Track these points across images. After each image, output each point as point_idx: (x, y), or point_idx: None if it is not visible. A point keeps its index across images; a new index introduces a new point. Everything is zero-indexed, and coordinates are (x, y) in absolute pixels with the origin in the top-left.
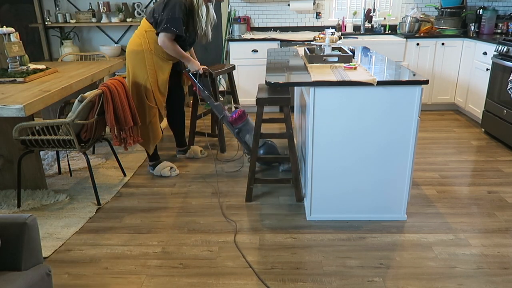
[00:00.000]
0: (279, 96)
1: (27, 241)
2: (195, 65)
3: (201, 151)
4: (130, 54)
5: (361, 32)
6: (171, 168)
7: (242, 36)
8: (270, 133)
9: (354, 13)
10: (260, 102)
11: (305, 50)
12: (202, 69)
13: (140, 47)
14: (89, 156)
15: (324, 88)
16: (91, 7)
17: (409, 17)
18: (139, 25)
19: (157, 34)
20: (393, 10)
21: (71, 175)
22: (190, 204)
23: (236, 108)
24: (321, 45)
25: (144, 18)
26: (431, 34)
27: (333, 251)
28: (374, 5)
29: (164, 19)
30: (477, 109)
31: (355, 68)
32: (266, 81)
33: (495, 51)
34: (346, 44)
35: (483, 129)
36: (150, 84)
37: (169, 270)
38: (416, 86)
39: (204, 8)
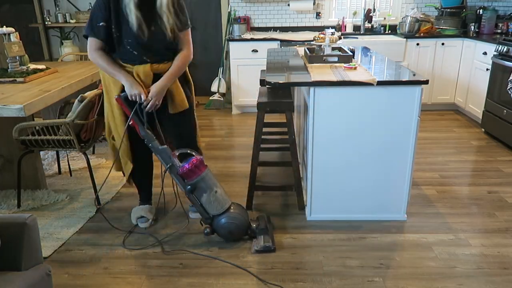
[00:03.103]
0: (281, 100)
1: (27, 241)
2: (133, 86)
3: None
4: None
5: (361, 32)
6: (141, 217)
7: (242, 36)
8: (270, 138)
9: (354, 13)
10: (261, 106)
11: (305, 50)
12: (146, 97)
13: None
14: (89, 156)
15: (324, 88)
16: (91, 7)
17: (409, 17)
18: None
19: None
20: (393, 10)
21: (71, 175)
22: (190, 204)
23: (190, 155)
24: (321, 45)
25: None
26: (431, 34)
27: (333, 251)
28: (374, 5)
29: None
30: (477, 109)
31: (355, 68)
32: (266, 81)
33: (495, 51)
34: (346, 44)
35: (483, 129)
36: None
37: (169, 270)
38: (416, 86)
39: None
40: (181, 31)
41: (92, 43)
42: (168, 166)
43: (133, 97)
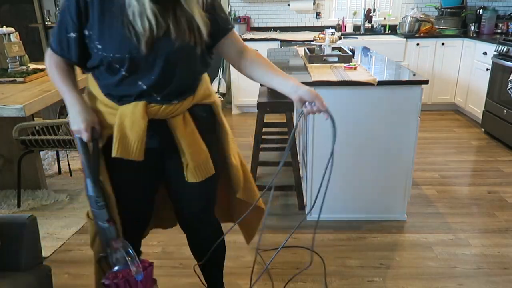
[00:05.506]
0: (281, 100)
1: (27, 241)
2: (75, 118)
3: None
4: None
5: (361, 32)
6: None
7: (242, 36)
8: (271, 138)
9: (354, 13)
10: (261, 106)
11: (305, 50)
12: (91, 129)
13: None
14: None
15: (324, 88)
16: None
17: (409, 17)
18: None
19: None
20: (393, 10)
21: (71, 175)
22: None
23: (137, 264)
24: (321, 45)
25: None
26: (431, 34)
27: (333, 251)
28: (374, 5)
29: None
30: (477, 109)
31: (355, 68)
32: None
33: (495, 51)
34: (346, 44)
35: (483, 129)
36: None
37: (169, 270)
38: (416, 86)
39: None
40: (228, 33)
41: (52, 53)
42: (101, 256)
43: (74, 132)
